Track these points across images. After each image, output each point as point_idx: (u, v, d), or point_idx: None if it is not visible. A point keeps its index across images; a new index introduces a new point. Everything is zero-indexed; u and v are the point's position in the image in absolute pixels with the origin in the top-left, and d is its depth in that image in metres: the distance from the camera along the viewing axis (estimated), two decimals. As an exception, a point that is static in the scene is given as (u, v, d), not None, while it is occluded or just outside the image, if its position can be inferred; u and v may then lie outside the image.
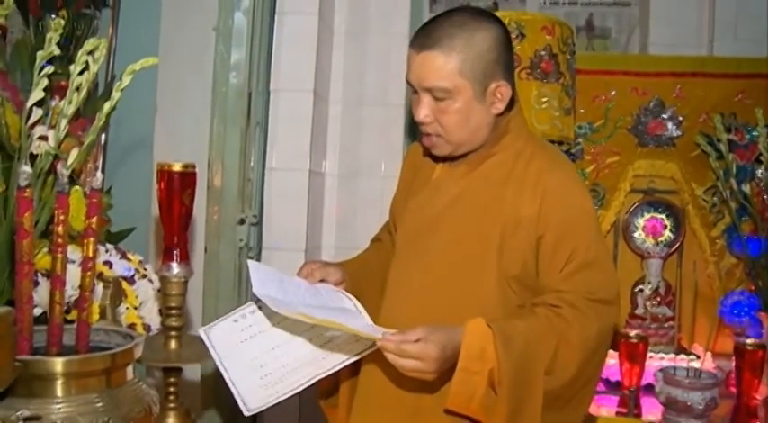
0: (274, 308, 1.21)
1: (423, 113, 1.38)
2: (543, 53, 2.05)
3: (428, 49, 1.34)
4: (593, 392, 1.42)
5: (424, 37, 1.36)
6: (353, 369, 1.40)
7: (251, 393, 1.25)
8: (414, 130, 2.53)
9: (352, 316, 1.31)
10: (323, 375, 1.28)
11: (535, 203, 1.36)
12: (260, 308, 1.38)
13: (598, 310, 1.33)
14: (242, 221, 2.37)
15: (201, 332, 1.36)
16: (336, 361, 1.29)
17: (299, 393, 1.26)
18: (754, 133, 2.32)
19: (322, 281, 1.46)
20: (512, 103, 1.43)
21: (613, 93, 2.46)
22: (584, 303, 1.32)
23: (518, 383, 1.25)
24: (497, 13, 2.04)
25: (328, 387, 1.54)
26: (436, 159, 1.51)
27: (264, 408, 1.24)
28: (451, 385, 1.25)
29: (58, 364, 0.99)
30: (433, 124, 1.39)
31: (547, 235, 1.35)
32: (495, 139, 1.43)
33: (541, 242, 1.36)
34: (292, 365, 1.29)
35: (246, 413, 1.24)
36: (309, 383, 1.27)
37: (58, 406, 0.97)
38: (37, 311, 1.28)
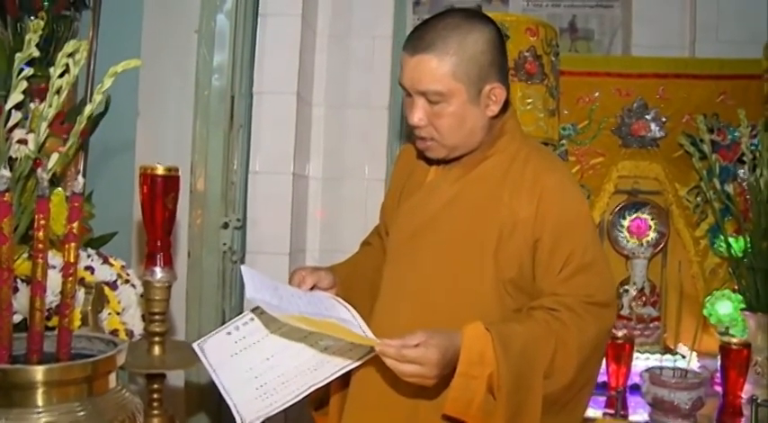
0: (269, 311, 1.19)
1: (417, 117, 1.37)
2: (527, 54, 2.05)
3: (421, 52, 1.33)
4: (590, 396, 1.41)
5: (416, 40, 1.35)
6: (344, 378, 1.39)
7: (247, 405, 1.24)
8: (400, 132, 2.53)
9: (349, 324, 1.30)
10: (320, 385, 1.27)
11: (532, 205, 1.35)
12: (253, 319, 1.36)
13: (595, 314, 1.33)
14: (225, 225, 2.35)
15: (195, 346, 1.34)
16: (332, 370, 1.28)
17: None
18: (737, 134, 2.33)
19: (314, 287, 1.45)
20: (506, 105, 1.42)
21: (597, 94, 2.47)
22: (581, 307, 1.32)
23: (517, 388, 1.24)
24: (481, 15, 2.05)
25: (319, 396, 1.52)
26: (430, 162, 1.50)
27: (261, 419, 1.23)
28: (450, 391, 1.24)
29: (38, 372, 0.97)
30: (428, 128, 1.37)
31: (544, 238, 1.35)
32: (490, 142, 1.42)
33: (538, 245, 1.35)
34: (288, 375, 1.28)
35: None
36: (306, 393, 1.26)
37: (39, 415, 0.95)
38: (17, 318, 1.26)
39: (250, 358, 1.31)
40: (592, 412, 2.02)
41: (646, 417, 1.98)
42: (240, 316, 1.38)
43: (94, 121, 1.74)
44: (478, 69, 1.34)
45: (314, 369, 1.28)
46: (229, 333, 1.36)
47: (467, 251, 1.37)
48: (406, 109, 1.40)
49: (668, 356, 2.23)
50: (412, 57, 1.34)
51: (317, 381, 1.27)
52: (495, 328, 1.25)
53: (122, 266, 1.62)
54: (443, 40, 1.32)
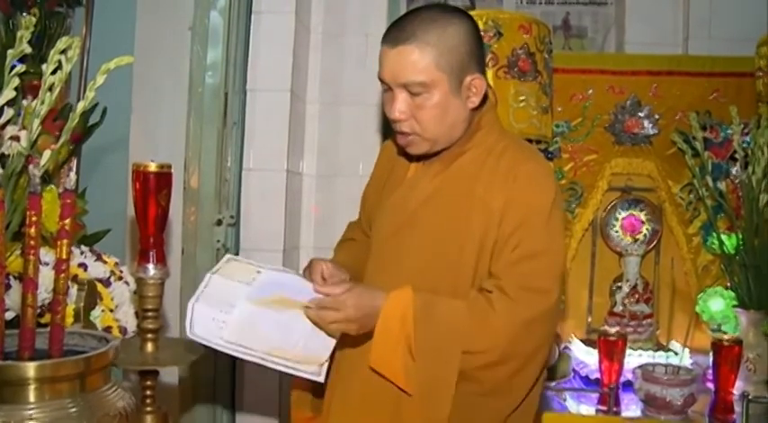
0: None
1: (398, 110, 1.36)
2: (520, 52, 2.05)
3: (403, 43, 1.33)
4: (528, 384, 1.37)
5: (397, 32, 1.35)
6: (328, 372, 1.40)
7: (202, 320, 1.29)
8: (389, 130, 2.53)
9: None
10: (264, 363, 1.29)
11: (503, 196, 1.35)
12: (260, 272, 1.41)
13: (530, 299, 1.31)
14: (219, 222, 2.35)
15: (209, 274, 1.39)
16: (281, 360, 1.31)
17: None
18: (729, 131, 2.34)
19: None
20: (484, 99, 1.43)
21: (590, 91, 2.48)
22: (514, 291, 1.31)
23: (434, 355, 1.28)
24: (474, 12, 2.05)
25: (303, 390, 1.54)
26: (410, 158, 1.50)
27: (203, 343, 1.28)
28: (373, 339, 1.30)
29: (30, 369, 0.97)
30: (409, 121, 1.37)
31: (504, 224, 1.34)
32: (467, 136, 1.42)
33: (500, 232, 1.35)
34: (248, 330, 1.31)
35: (189, 334, 1.27)
36: (250, 358, 1.29)
37: (31, 412, 0.95)
38: (9, 315, 1.25)
39: (237, 292, 1.35)
40: (585, 409, 2.03)
41: (638, 413, 1.99)
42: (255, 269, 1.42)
43: (89, 130, 1.74)
44: (459, 60, 1.34)
45: (271, 344, 1.31)
46: (259, 270, 1.41)
47: (446, 247, 1.38)
48: (386, 103, 1.40)
49: (661, 353, 2.24)
50: (392, 49, 1.34)
51: (266, 358, 1.29)
52: (422, 295, 1.31)
53: (116, 263, 1.62)
54: (424, 31, 1.32)
